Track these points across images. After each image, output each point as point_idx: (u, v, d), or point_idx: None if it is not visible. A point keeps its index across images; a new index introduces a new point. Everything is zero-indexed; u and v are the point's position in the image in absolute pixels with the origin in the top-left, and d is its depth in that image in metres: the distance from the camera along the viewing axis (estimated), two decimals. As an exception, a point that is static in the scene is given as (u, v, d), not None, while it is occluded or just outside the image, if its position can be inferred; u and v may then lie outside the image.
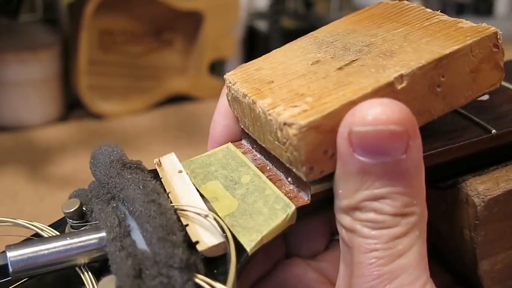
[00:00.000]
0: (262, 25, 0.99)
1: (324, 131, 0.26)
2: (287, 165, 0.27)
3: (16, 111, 0.84)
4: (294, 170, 0.27)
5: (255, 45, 0.99)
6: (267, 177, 0.29)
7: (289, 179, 0.29)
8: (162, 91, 0.93)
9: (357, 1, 1.09)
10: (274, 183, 0.29)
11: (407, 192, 0.25)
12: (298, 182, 0.28)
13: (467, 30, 0.29)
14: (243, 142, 0.32)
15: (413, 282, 0.25)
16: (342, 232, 0.27)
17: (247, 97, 0.29)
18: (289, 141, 0.26)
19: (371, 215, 0.25)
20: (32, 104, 0.84)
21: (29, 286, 0.26)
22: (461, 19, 0.30)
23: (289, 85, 0.28)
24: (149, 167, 0.30)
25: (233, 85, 0.30)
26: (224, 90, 0.32)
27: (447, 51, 0.28)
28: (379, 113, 0.25)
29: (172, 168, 0.30)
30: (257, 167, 0.30)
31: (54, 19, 0.92)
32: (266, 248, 0.27)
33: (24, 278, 0.26)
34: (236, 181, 0.29)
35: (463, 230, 0.31)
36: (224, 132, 0.33)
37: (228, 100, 0.31)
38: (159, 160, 0.31)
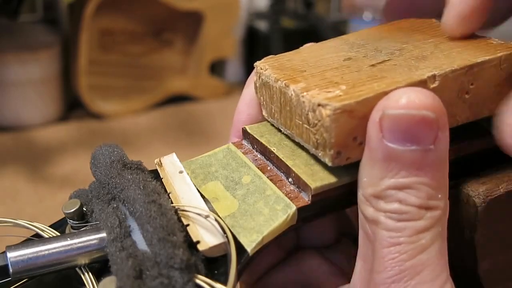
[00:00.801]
0: (262, 25, 0.99)
1: (357, 116, 0.26)
2: (313, 149, 0.28)
3: (16, 111, 0.84)
4: (320, 154, 0.27)
5: (255, 45, 0.99)
6: (267, 177, 0.29)
7: (290, 179, 0.29)
8: (162, 91, 0.93)
9: (357, 1, 1.09)
10: (275, 183, 0.29)
11: (432, 184, 0.25)
12: (298, 182, 0.28)
13: (497, 46, 0.30)
14: (244, 142, 0.32)
15: (434, 279, 0.25)
16: (364, 225, 0.26)
17: (279, 81, 0.29)
18: (320, 122, 0.26)
19: (396, 205, 0.25)
20: (32, 104, 0.84)
21: (30, 286, 0.26)
22: (490, 37, 0.31)
23: (322, 74, 0.29)
24: (150, 167, 0.30)
25: (265, 70, 0.30)
26: (250, 80, 0.33)
27: (478, 60, 0.28)
28: (413, 98, 0.25)
29: (173, 169, 0.30)
30: (258, 168, 0.30)
31: (54, 19, 0.92)
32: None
33: (25, 278, 0.26)
34: (237, 181, 0.29)
35: (463, 230, 0.31)
36: (248, 122, 0.33)
37: (256, 88, 0.32)
38: (160, 161, 0.31)
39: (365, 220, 0.26)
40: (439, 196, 0.26)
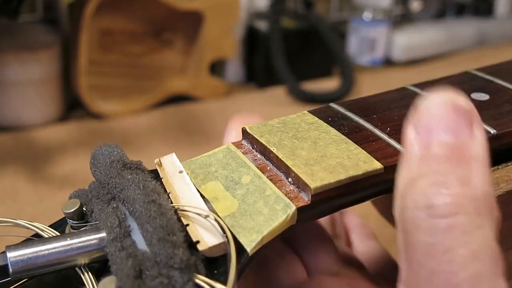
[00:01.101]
0: (262, 25, 0.99)
1: None
2: None
3: (16, 111, 0.84)
4: None
5: (255, 45, 0.99)
6: (267, 177, 0.29)
7: (290, 179, 0.29)
8: (162, 91, 0.93)
9: (357, 1, 1.09)
10: (275, 183, 0.29)
11: (475, 176, 0.24)
12: (298, 182, 0.28)
13: None
14: (244, 142, 0.32)
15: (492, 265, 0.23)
16: (400, 224, 0.25)
17: None
18: None
19: (439, 198, 0.24)
20: (32, 104, 0.84)
21: (29, 286, 0.26)
22: None
23: None
24: (149, 167, 0.30)
25: None
26: None
27: None
28: (444, 93, 0.25)
29: (173, 168, 0.30)
30: (258, 168, 0.30)
31: (54, 19, 0.92)
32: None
33: (24, 278, 0.26)
34: (237, 181, 0.29)
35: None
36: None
37: None
38: (160, 160, 0.31)
39: (408, 221, 0.25)
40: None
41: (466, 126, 0.25)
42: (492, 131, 0.31)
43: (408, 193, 0.25)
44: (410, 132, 0.26)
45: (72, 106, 0.90)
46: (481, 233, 0.24)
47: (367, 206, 0.45)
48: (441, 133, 0.25)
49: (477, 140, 0.25)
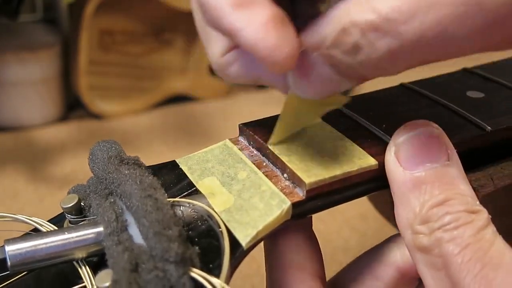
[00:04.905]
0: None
1: None
2: None
3: (16, 111, 0.84)
4: None
5: (254, 45, 0.99)
6: (263, 173, 0.30)
7: (285, 175, 0.29)
8: (162, 91, 0.93)
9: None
10: (270, 179, 0.29)
11: (465, 192, 0.27)
12: (293, 178, 0.28)
13: None
14: (240, 138, 0.33)
15: None
16: (426, 261, 0.26)
17: None
18: None
19: (446, 218, 0.26)
20: (32, 104, 0.84)
21: (28, 280, 0.26)
22: None
23: None
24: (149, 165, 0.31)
25: None
26: None
27: None
28: (413, 123, 0.28)
29: None
30: (254, 164, 0.30)
31: (54, 19, 0.92)
32: None
33: (23, 271, 0.26)
34: (233, 177, 0.30)
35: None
36: None
37: None
38: None
39: (424, 256, 0.26)
40: (477, 202, 0.27)
41: (442, 149, 0.27)
42: (487, 128, 0.32)
43: (420, 222, 0.26)
44: (396, 168, 0.28)
45: (72, 106, 0.90)
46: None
47: (367, 206, 0.46)
48: (423, 163, 0.27)
49: (454, 160, 0.28)
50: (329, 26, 0.24)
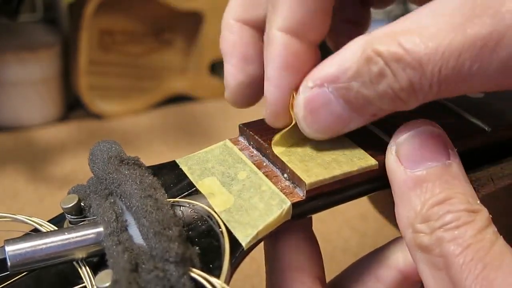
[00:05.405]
0: (261, 26, 0.99)
1: None
2: None
3: (16, 111, 0.84)
4: None
5: (254, 45, 0.99)
6: (263, 173, 0.30)
7: (285, 175, 0.29)
8: (162, 91, 0.93)
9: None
10: (270, 179, 0.29)
11: (466, 192, 0.27)
12: (293, 178, 0.29)
13: None
14: (240, 139, 0.33)
15: None
16: (427, 261, 0.26)
17: None
18: None
19: (447, 217, 0.26)
20: (32, 104, 0.84)
21: (27, 280, 0.26)
22: None
23: None
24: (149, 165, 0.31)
25: None
26: None
27: None
28: (414, 122, 0.28)
29: None
30: (254, 164, 0.30)
31: (54, 19, 0.92)
32: None
33: (23, 272, 0.26)
34: (233, 177, 0.30)
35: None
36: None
37: None
38: None
39: (425, 256, 0.26)
40: (478, 202, 0.27)
41: (443, 148, 0.27)
42: (487, 128, 0.32)
43: (421, 221, 0.26)
44: (397, 168, 0.27)
45: (72, 106, 0.90)
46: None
47: (367, 206, 0.46)
48: (425, 162, 0.27)
49: (455, 160, 0.28)
50: (352, 57, 0.25)
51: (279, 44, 0.29)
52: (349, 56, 0.26)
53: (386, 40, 0.24)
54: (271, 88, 0.29)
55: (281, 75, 0.29)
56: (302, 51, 0.29)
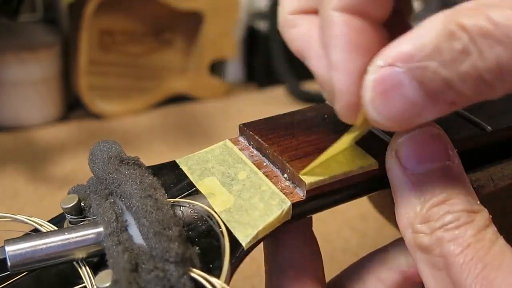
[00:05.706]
0: (262, 25, 0.99)
1: None
2: None
3: (16, 111, 0.84)
4: None
5: (255, 45, 0.99)
6: (263, 173, 0.30)
7: (285, 175, 0.29)
8: (162, 91, 0.93)
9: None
10: (270, 179, 0.29)
11: (466, 192, 0.26)
12: (293, 178, 0.29)
13: None
14: (240, 139, 0.33)
15: None
16: (428, 261, 0.26)
17: None
18: None
19: (447, 217, 0.26)
20: (32, 104, 0.84)
21: (28, 280, 0.26)
22: None
23: None
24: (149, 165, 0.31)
25: None
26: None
27: None
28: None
29: None
30: (254, 164, 0.30)
31: (54, 19, 0.92)
32: None
33: (23, 272, 0.26)
34: (233, 177, 0.30)
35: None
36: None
37: None
38: None
39: (425, 256, 0.26)
40: (478, 202, 0.27)
41: (443, 149, 0.27)
42: (488, 128, 0.32)
43: (421, 222, 0.26)
44: (397, 168, 0.27)
45: (72, 106, 0.90)
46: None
47: (367, 206, 0.45)
48: (424, 162, 0.27)
49: (455, 161, 0.27)
50: (431, 32, 0.22)
51: (340, 24, 0.25)
52: (427, 31, 0.22)
53: (473, 13, 0.21)
54: (340, 76, 0.25)
55: (349, 58, 0.25)
56: (366, 30, 0.25)
